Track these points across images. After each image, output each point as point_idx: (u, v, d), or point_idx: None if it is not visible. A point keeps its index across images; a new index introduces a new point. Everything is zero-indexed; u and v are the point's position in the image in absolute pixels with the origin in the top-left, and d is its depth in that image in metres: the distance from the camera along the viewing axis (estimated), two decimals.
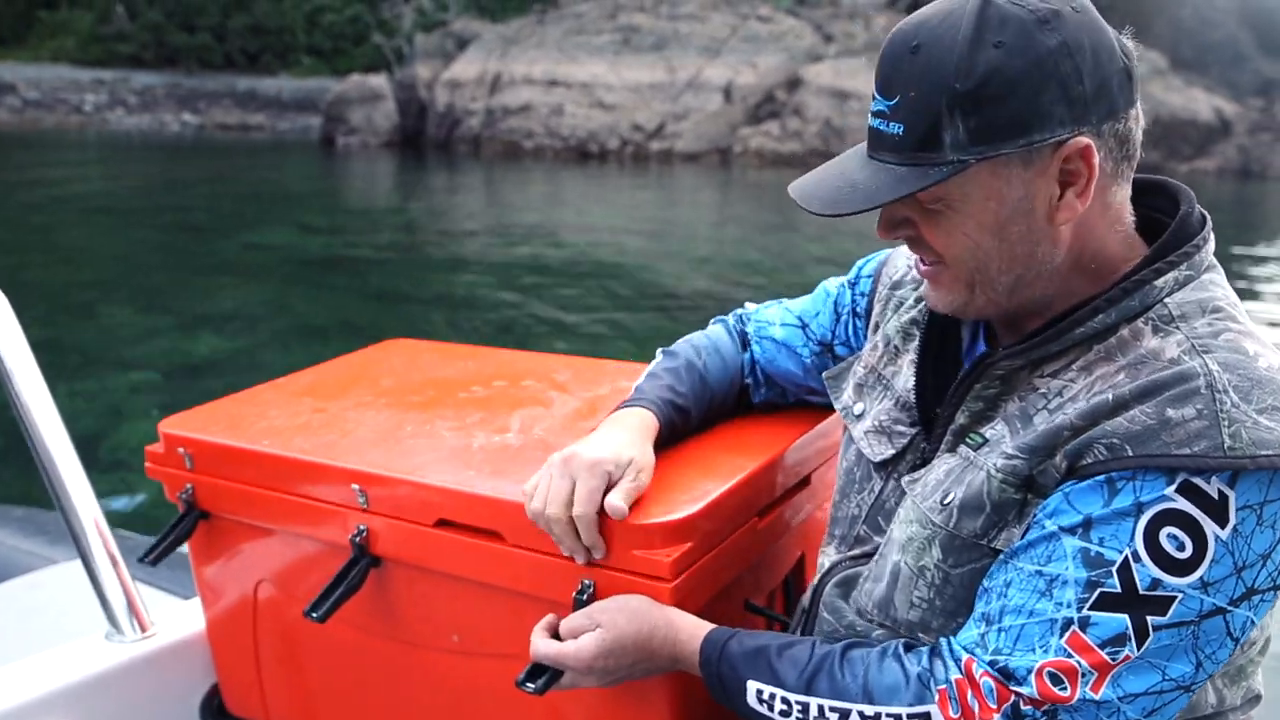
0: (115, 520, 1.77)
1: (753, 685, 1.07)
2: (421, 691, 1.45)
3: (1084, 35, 0.92)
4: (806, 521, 1.47)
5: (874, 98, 0.98)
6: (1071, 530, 0.92)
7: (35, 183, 19.20)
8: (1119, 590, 0.89)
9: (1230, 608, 0.89)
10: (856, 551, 1.20)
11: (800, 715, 1.04)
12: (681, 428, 1.33)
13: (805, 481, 1.44)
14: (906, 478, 1.12)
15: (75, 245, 13.16)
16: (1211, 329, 0.95)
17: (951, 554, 1.03)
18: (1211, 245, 1.03)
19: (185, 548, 1.59)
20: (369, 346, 1.94)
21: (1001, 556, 0.98)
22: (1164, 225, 1.03)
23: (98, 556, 1.58)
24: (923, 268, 1.06)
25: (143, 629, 1.62)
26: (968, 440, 1.05)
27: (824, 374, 1.33)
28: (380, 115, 31.89)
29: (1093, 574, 0.90)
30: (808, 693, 1.04)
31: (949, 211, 0.98)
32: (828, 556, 1.25)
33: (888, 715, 1.00)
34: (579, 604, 1.17)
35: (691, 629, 1.13)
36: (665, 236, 16.19)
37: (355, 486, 1.35)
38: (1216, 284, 1.00)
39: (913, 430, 1.15)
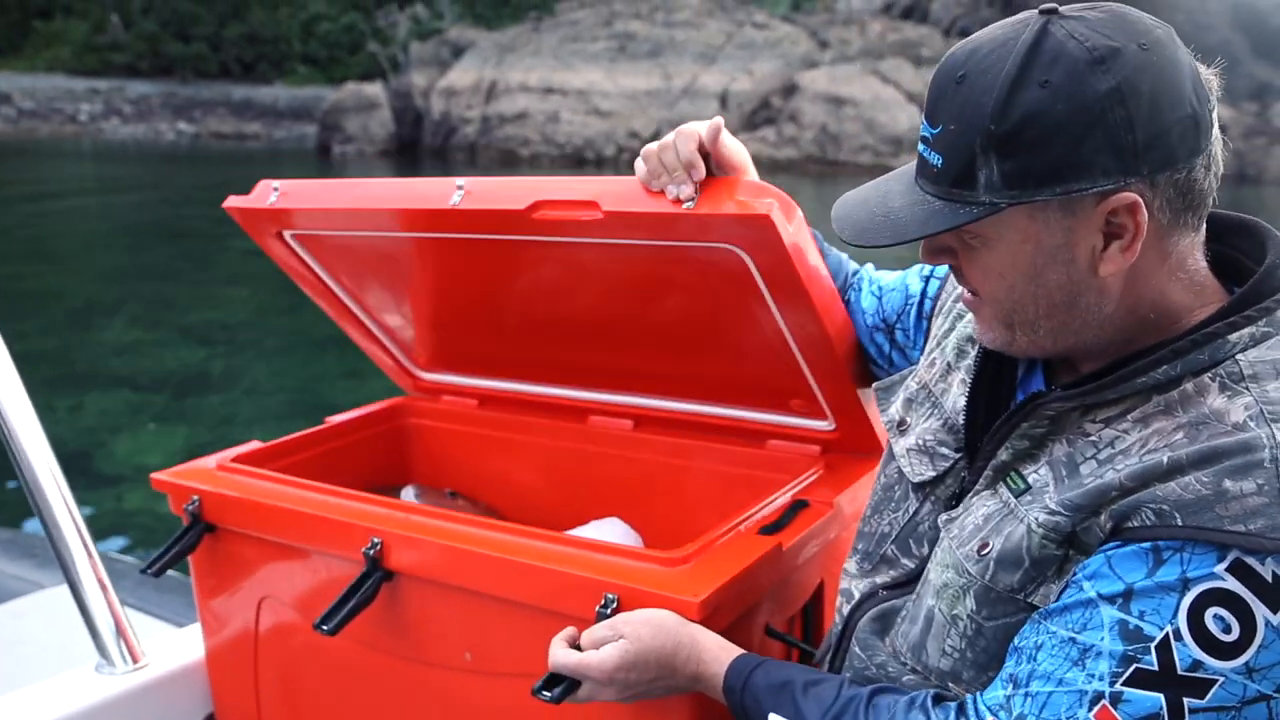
0: (106, 537, 1.76)
1: (773, 717, 1.05)
2: (429, 713, 1.44)
3: (1144, 79, 0.86)
4: (827, 548, 1.45)
5: (923, 121, 0.96)
6: (1111, 599, 0.87)
7: (31, 193, 19.19)
8: (1156, 669, 0.84)
9: (1275, 695, 0.84)
10: (887, 579, 1.17)
11: None
12: None
13: (829, 506, 1.43)
14: (944, 516, 1.08)
15: (71, 255, 13.17)
16: None
17: (986, 605, 0.98)
18: None
19: (182, 570, 1.56)
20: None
21: (1035, 616, 0.94)
22: (1245, 269, 0.98)
23: (86, 584, 1.55)
24: (966, 298, 1.04)
25: (134, 659, 1.60)
26: (1009, 481, 1.01)
27: (875, 385, 1.31)
28: (376, 123, 31.92)
29: (1130, 648, 0.85)
30: None
31: (984, 250, 0.95)
32: (849, 577, 1.22)
33: None
34: (601, 618, 1.15)
35: (717, 651, 1.11)
36: None
37: None
38: None
39: (956, 455, 1.11)
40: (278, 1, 47.12)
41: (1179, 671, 0.83)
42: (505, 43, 33.97)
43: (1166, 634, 0.84)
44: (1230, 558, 0.83)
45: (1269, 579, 0.82)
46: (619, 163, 29.40)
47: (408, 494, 1.87)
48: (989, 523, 1.00)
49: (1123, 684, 0.85)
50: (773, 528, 1.35)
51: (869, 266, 1.49)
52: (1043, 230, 0.91)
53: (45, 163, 26.86)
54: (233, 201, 1.70)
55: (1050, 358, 1.05)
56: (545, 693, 1.12)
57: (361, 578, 1.36)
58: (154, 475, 1.55)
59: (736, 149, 1.31)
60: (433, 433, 1.98)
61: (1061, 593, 0.93)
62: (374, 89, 33.44)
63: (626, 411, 1.82)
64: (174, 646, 1.67)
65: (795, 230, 1.27)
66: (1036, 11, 0.90)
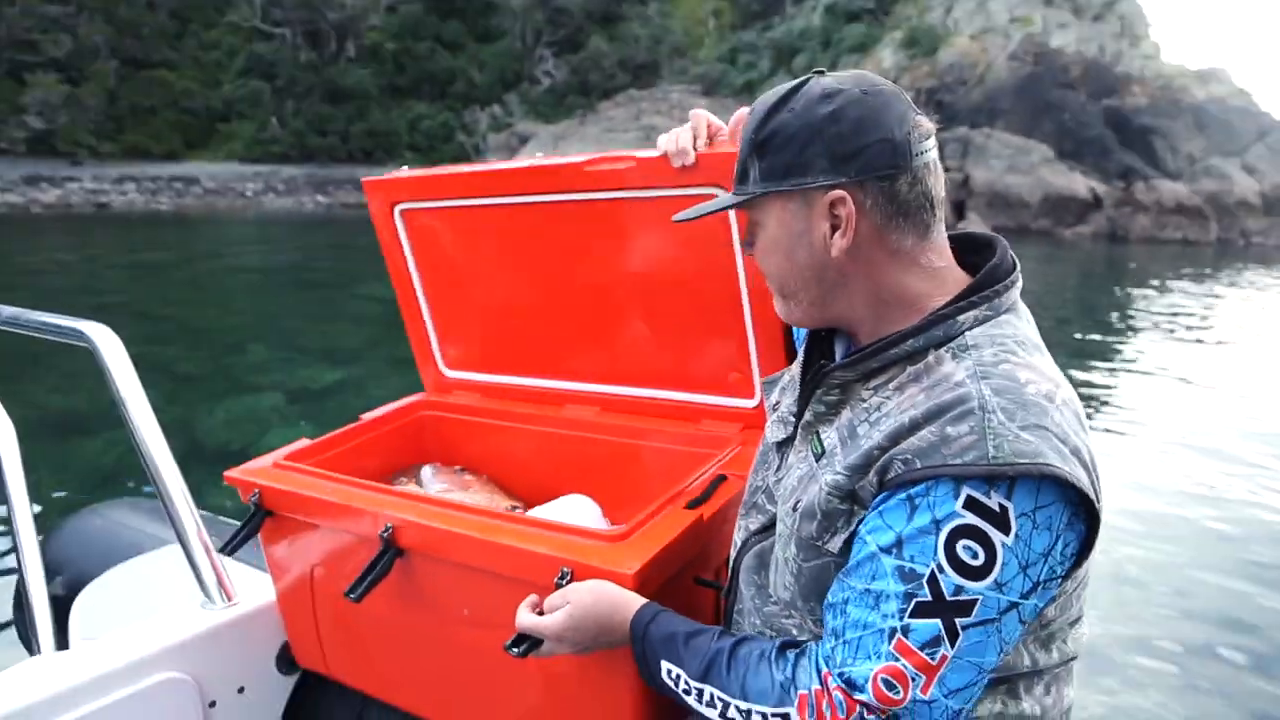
0: (224, 510, 1.79)
1: (664, 664, 1.00)
2: (442, 651, 1.40)
3: (855, 110, 0.90)
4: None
5: None
6: (888, 550, 0.85)
7: (211, 252, 19.48)
8: (930, 599, 0.82)
9: (1021, 600, 0.83)
10: (756, 524, 1.12)
11: (697, 698, 0.97)
12: None
13: (743, 478, 1.33)
14: (773, 478, 1.07)
15: (234, 298, 13.29)
16: (995, 358, 0.88)
17: (801, 550, 0.96)
18: (1016, 290, 0.96)
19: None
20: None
21: (839, 576, 0.91)
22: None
23: (193, 543, 1.55)
24: (769, 284, 1.05)
25: (229, 598, 1.59)
26: (813, 444, 0.99)
27: (763, 380, 1.27)
28: None
29: (908, 587, 0.83)
30: (703, 680, 0.97)
31: (761, 233, 0.99)
32: (739, 529, 1.17)
33: (756, 713, 0.92)
34: (559, 588, 1.11)
35: (635, 608, 1.06)
36: None
37: None
38: (1011, 323, 0.93)
39: (795, 420, 1.08)
40: (391, 105, 48.13)
41: (947, 598, 0.82)
42: (559, 133, 34.17)
43: (933, 569, 0.83)
44: (963, 495, 0.81)
45: (996, 508, 0.81)
46: None
47: (426, 471, 1.82)
48: (801, 483, 0.98)
49: (909, 617, 0.83)
50: (697, 502, 1.29)
51: None
52: (791, 218, 0.95)
53: (222, 228, 27.29)
54: (370, 178, 1.78)
55: (823, 326, 1.04)
56: (514, 649, 1.09)
57: (379, 555, 1.31)
58: (226, 473, 1.52)
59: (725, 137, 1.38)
60: (445, 422, 1.93)
61: (850, 546, 0.91)
62: None
63: (594, 399, 1.77)
64: (257, 588, 1.66)
65: None
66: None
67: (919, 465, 0.84)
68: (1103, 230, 26.22)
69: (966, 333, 0.91)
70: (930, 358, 0.91)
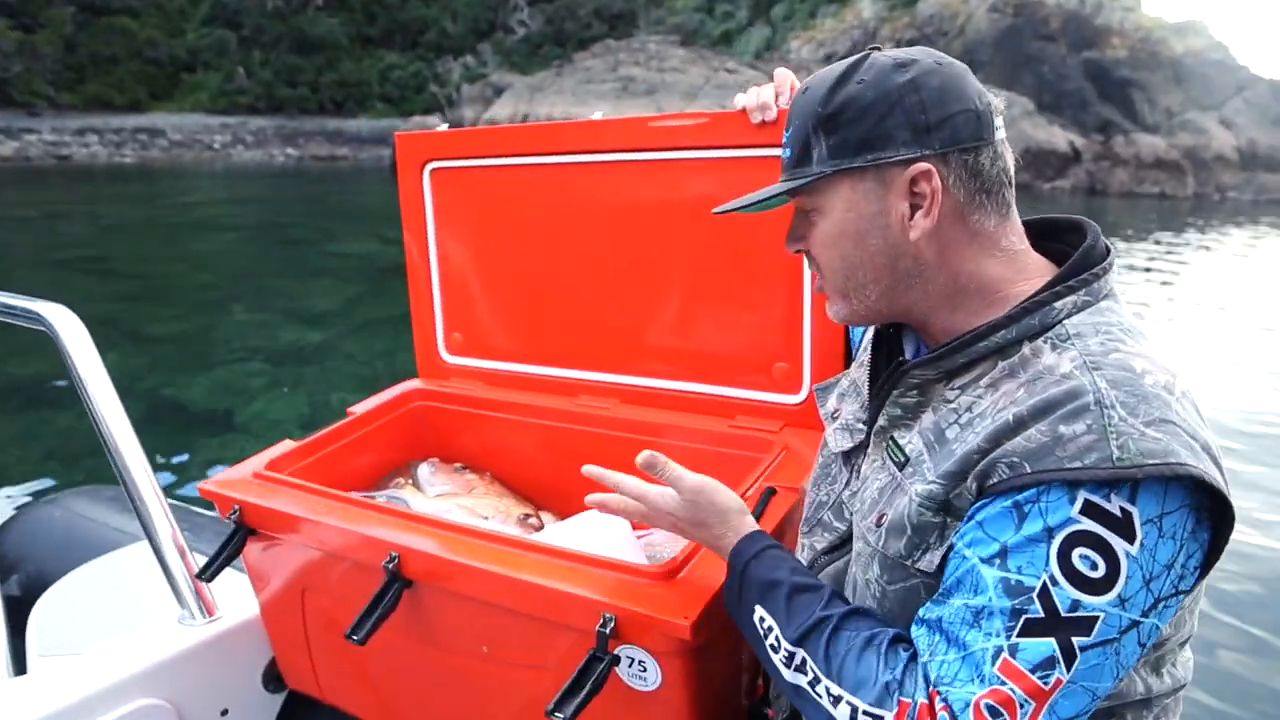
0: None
1: (759, 610, 0.88)
2: (456, 688, 1.22)
3: (934, 78, 0.82)
4: (795, 524, 1.19)
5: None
6: (990, 560, 0.74)
7: (178, 206, 18.85)
8: (1042, 615, 0.71)
9: (1142, 619, 0.72)
10: (824, 543, 0.99)
11: (786, 658, 0.84)
12: None
13: (795, 491, 1.19)
14: (847, 491, 0.96)
15: (206, 255, 12.83)
16: (1103, 348, 0.77)
17: (886, 571, 0.85)
18: (1112, 276, 0.86)
19: None
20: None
21: (937, 594, 0.79)
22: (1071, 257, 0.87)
23: (168, 552, 1.38)
24: (816, 285, 0.94)
25: (209, 613, 1.42)
26: (890, 451, 0.88)
27: (815, 386, 1.13)
28: None
29: (1015, 602, 0.72)
30: (797, 645, 0.84)
31: (821, 221, 0.88)
32: (802, 547, 1.04)
33: (848, 703, 0.80)
34: (602, 637, 0.95)
35: (743, 531, 0.95)
36: None
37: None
38: (1113, 310, 0.83)
39: (867, 427, 0.96)
40: (361, 55, 46.91)
41: (1063, 614, 0.71)
42: (535, 84, 33.34)
43: (1044, 582, 0.71)
44: (1080, 500, 0.71)
45: (1118, 514, 0.71)
46: None
47: (424, 470, 1.64)
48: (883, 495, 0.87)
49: (1017, 635, 0.72)
50: None
51: None
52: (862, 199, 0.85)
53: (189, 181, 26.45)
54: (403, 132, 1.67)
55: (888, 322, 0.94)
56: (557, 715, 0.90)
57: (383, 589, 1.12)
58: (200, 485, 1.33)
59: None
60: (442, 414, 1.74)
61: (948, 566, 0.79)
62: (433, 120, 32.76)
63: (612, 390, 1.59)
64: (241, 597, 1.48)
65: None
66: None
67: (1028, 469, 0.73)
68: (1081, 184, 26.30)
69: (1065, 321, 0.81)
70: (1026, 350, 0.80)
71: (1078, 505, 0.71)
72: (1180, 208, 22.37)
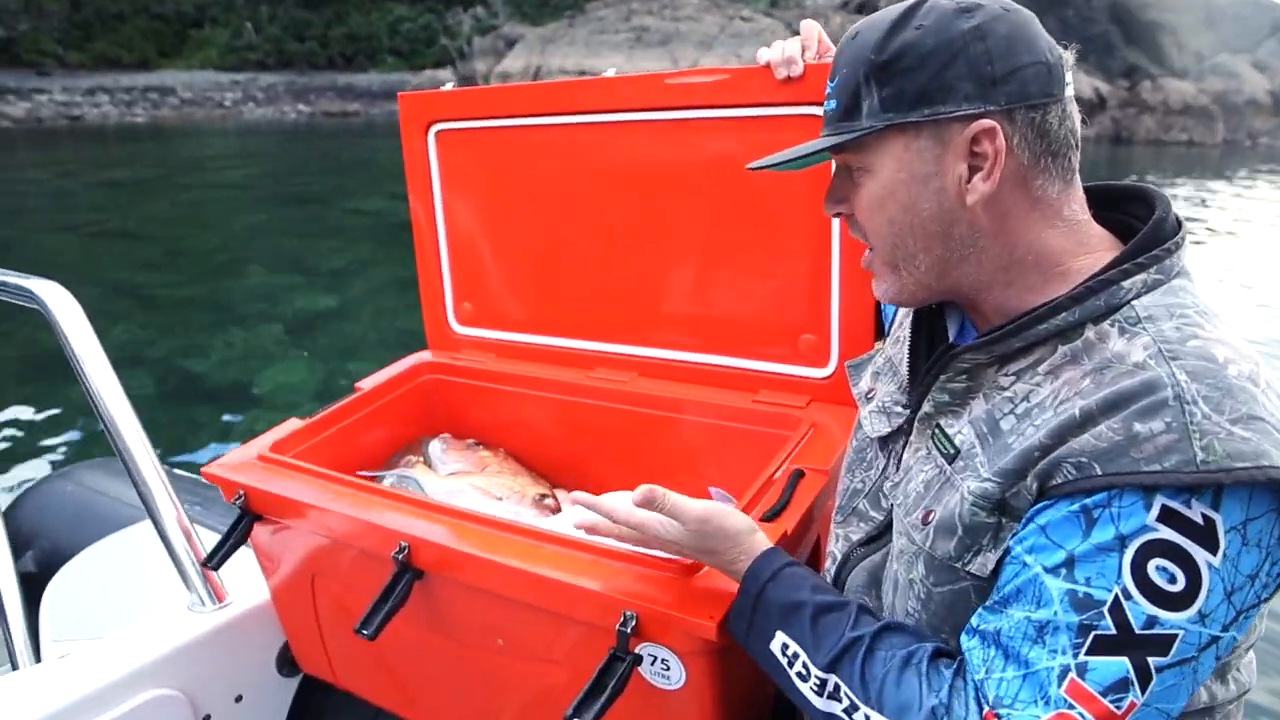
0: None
1: (780, 637, 0.80)
2: (472, 678, 1.19)
3: (1002, 25, 0.74)
4: (824, 509, 1.14)
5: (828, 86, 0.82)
6: (1055, 570, 0.67)
7: (191, 166, 18.75)
8: (1114, 632, 0.64)
9: (1221, 634, 0.66)
10: (860, 534, 0.92)
11: (817, 685, 0.77)
12: None
13: (825, 474, 1.12)
14: (888, 483, 0.88)
15: (219, 216, 12.76)
16: (1180, 334, 0.69)
17: (933, 573, 0.78)
18: (1185, 251, 0.77)
19: None
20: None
21: (992, 601, 0.72)
22: (1137, 231, 0.78)
23: (174, 536, 1.33)
24: (864, 258, 0.85)
25: (219, 599, 1.38)
26: (937, 441, 0.80)
27: (846, 363, 1.05)
28: None
29: (1084, 617, 0.65)
30: (829, 670, 0.76)
31: (869, 181, 0.79)
32: (835, 538, 0.97)
33: None
34: (623, 636, 0.89)
35: (756, 551, 0.86)
36: None
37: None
38: (1187, 290, 0.74)
39: (906, 411, 0.89)
40: (370, 8, 46.41)
41: (1137, 631, 0.64)
42: (547, 35, 32.74)
43: (1116, 595, 0.64)
44: (1157, 506, 0.64)
45: (1199, 521, 0.63)
46: None
47: (435, 447, 1.59)
48: (930, 490, 0.80)
49: (1086, 654, 0.65)
50: (776, 511, 1.04)
51: None
52: (916, 159, 0.76)
53: (202, 139, 26.28)
54: (407, 92, 1.61)
55: (936, 299, 0.84)
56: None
57: (394, 581, 1.07)
58: (204, 469, 1.28)
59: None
60: (454, 388, 1.67)
61: (1005, 572, 0.71)
62: (445, 74, 32.59)
63: (630, 362, 1.52)
64: (253, 579, 1.43)
65: None
66: None
67: (1099, 471, 0.65)
68: (1107, 132, 25.64)
69: (1134, 302, 0.72)
70: (1090, 334, 0.73)
71: (1155, 512, 0.64)
72: (1209, 155, 21.77)
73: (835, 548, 0.97)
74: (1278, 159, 21.06)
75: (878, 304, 1.26)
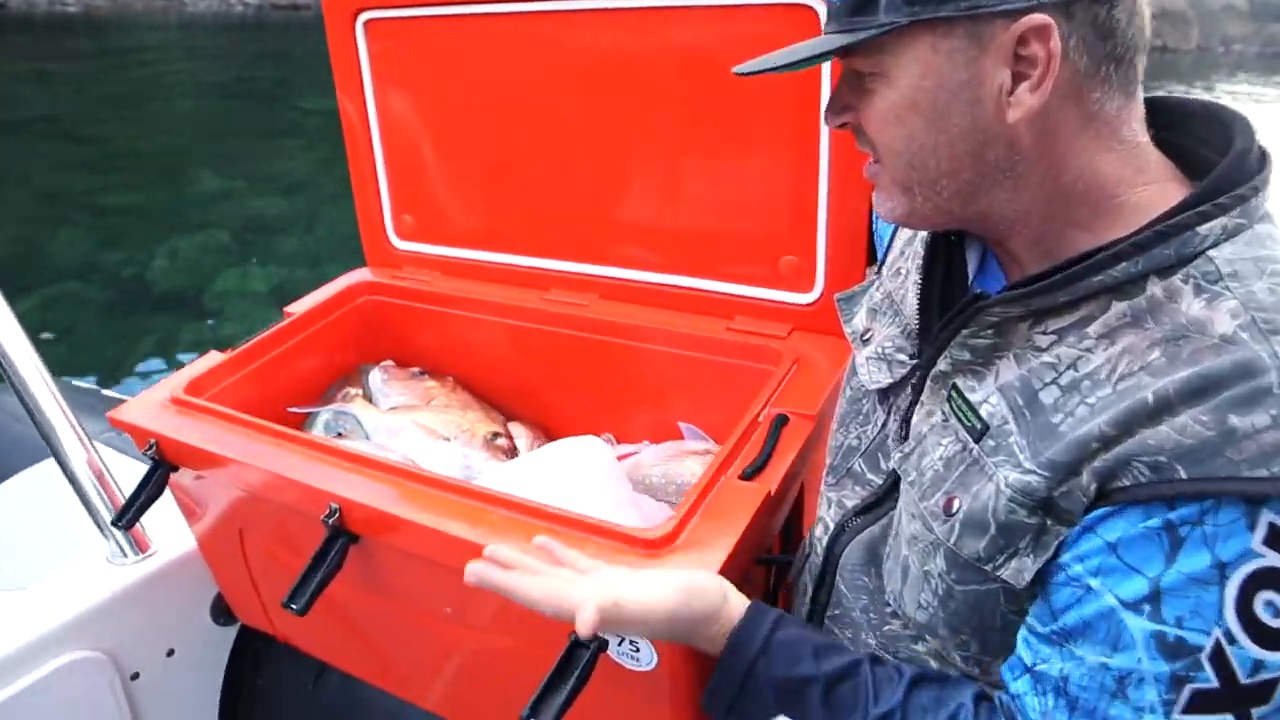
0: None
1: None
2: (420, 644, 1.08)
3: None
4: (809, 459, 1.01)
5: None
6: (1135, 606, 0.54)
7: (132, 61, 17.58)
8: (1216, 685, 0.52)
9: None
10: (856, 499, 0.79)
11: None
12: None
13: (811, 421, 1.00)
14: (897, 454, 0.73)
15: (165, 116, 12.01)
16: (1276, 297, 0.54)
17: (955, 569, 0.65)
18: (1270, 191, 0.61)
19: None
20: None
21: (1049, 630, 0.59)
22: (1208, 161, 0.62)
23: (85, 485, 1.19)
24: (867, 168, 0.69)
25: (143, 549, 1.25)
26: (958, 410, 0.66)
27: (835, 296, 0.90)
28: None
29: (1176, 667, 0.53)
30: None
31: (884, 90, 0.63)
32: (825, 501, 0.85)
33: None
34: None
35: (736, 618, 0.71)
36: None
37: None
38: (1276, 239, 0.59)
39: (913, 362, 0.75)
40: None
41: (1243, 682, 0.51)
42: None
43: (1217, 640, 0.52)
44: (1264, 524, 0.50)
45: None
46: None
47: (376, 376, 1.44)
48: (952, 470, 0.65)
49: (1180, 712, 0.53)
50: (756, 468, 0.92)
51: None
52: (945, 64, 0.60)
53: (142, 34, 24.65)
54: None
55: (957, 228, 0.69)
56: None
57: (324, 547, 0.94)
58: (110, 415, 1.11)
59: None
60: (395, 310, 1.50)
61: (1050, 579, 0.59)
62: None
63: (590, 282, 1.36)
64: (178, 530, 1.29)
65: None
66: None
67: (1183, 474, 0.52)
68: None
69: (1210, 252, 0.57)
70: (1155, 289, 0.58)
71: (1261, 532, 0.50)
72: (1181, 61, 21.47)
73: (827, 514, 0.84)
74: (1249, 67, 20.84)
75: (870, 221, 1.10)
